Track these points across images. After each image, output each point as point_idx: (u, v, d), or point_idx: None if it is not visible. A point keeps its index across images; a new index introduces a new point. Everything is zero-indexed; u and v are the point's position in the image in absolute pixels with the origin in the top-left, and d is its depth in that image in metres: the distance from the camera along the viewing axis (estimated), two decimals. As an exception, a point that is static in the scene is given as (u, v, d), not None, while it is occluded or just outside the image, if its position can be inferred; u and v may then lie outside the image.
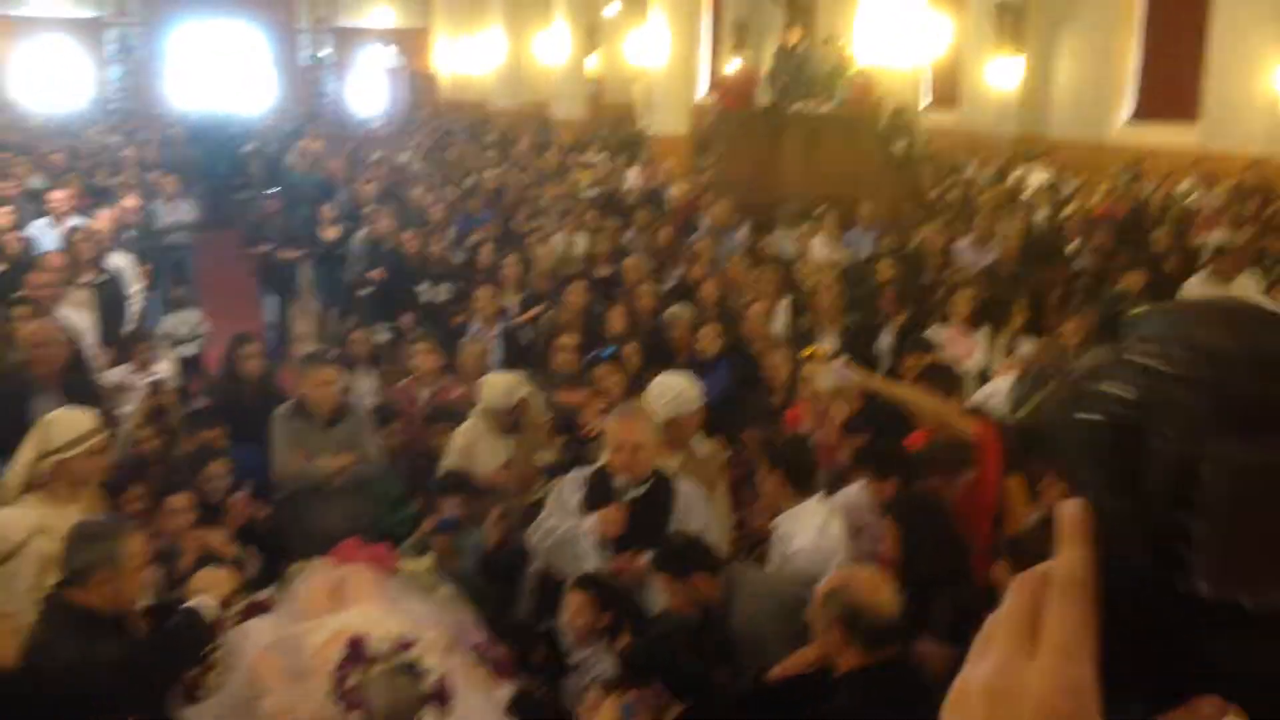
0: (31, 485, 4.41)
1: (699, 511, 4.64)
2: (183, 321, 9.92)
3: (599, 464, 4.80)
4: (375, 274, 10.28)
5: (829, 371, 5.13)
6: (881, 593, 3.33)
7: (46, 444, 4.43)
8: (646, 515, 4.55)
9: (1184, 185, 13.52)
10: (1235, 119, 16.02)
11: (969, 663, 0.74)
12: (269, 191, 13.47)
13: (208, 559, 4.73)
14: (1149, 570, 0.68)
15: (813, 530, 4.62)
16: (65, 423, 4.54)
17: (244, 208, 19.87)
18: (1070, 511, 0.72)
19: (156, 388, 6.69)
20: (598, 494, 4.65)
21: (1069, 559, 0.71)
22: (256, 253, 11.75)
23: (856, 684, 3.26)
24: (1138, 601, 0.69)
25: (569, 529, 4.60)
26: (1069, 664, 0.68)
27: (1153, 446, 0.68)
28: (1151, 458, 0.68)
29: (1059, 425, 0.75)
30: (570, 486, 4.79)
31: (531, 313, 8.54)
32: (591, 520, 4.54)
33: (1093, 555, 0.71)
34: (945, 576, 3.62)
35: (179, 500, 4.96)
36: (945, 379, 5.33)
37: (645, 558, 4.44)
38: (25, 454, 4.44)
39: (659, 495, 4.63)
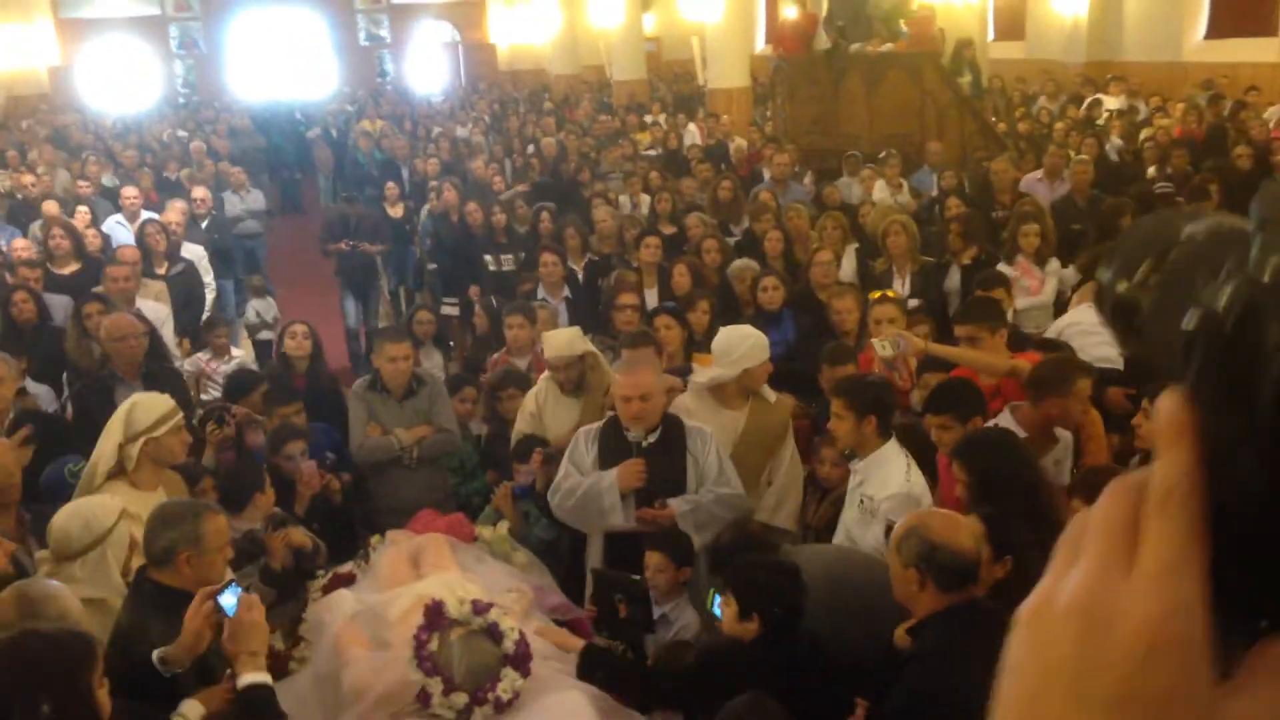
0: (116, 471, 4.53)
1: (714, 452, 4.69)
2: (259, 309, 10.12)
3: (607, 418, 4.86)
4: (372, 247, 10.42)
5: (887, 342, 5.05)
6: (960, 532, 3.27)
7: (133, 427, 4.54)
8: (663, 462, 4.62)
9: (1271, 111, 12.97)
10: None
11: (1051, 573, 0.66)
12: (346, 189, 12.81)
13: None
14: (1264, 484, 0.58)
15: (900, 475, 4.53)
16: (147, 405, 4.65)
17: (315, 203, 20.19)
18: (1169, 409, 0.61)
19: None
20: (612, 448, 4.69)
21: (1171, 465, 0.61)
22: (334, 250, 10.74)
23: (936, 628, 3.20)
24: (1251, 514, 0.59)
25: (590, 485, 4.63)
26: (1174, 583, 0.59)
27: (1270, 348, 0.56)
28: (1269, 362, 0.56)
29: (1159, 319, 0.63)
30: (584, 443, 4.81)
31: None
32: (611, 474, 4.58)
33: (1198, 459, 0.60)
34: (1022, 515, 3.51)
35: (262, 499, 5.00)
36: (990, 310, 5.20)
37: (671, 505, 4.50)
38: (110, 439, 4.55)
39: (672, 441, 4.69)
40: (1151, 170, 10.99)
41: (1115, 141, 12.82)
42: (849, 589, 3.87)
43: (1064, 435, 4.54)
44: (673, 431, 4.72)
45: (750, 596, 3.58)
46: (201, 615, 3.21)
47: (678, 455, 4.66)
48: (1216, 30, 17.89)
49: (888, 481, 4.50)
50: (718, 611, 3.75)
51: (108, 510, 3.98)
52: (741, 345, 5.20)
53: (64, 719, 2.48)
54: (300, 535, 4.70)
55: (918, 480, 4.51)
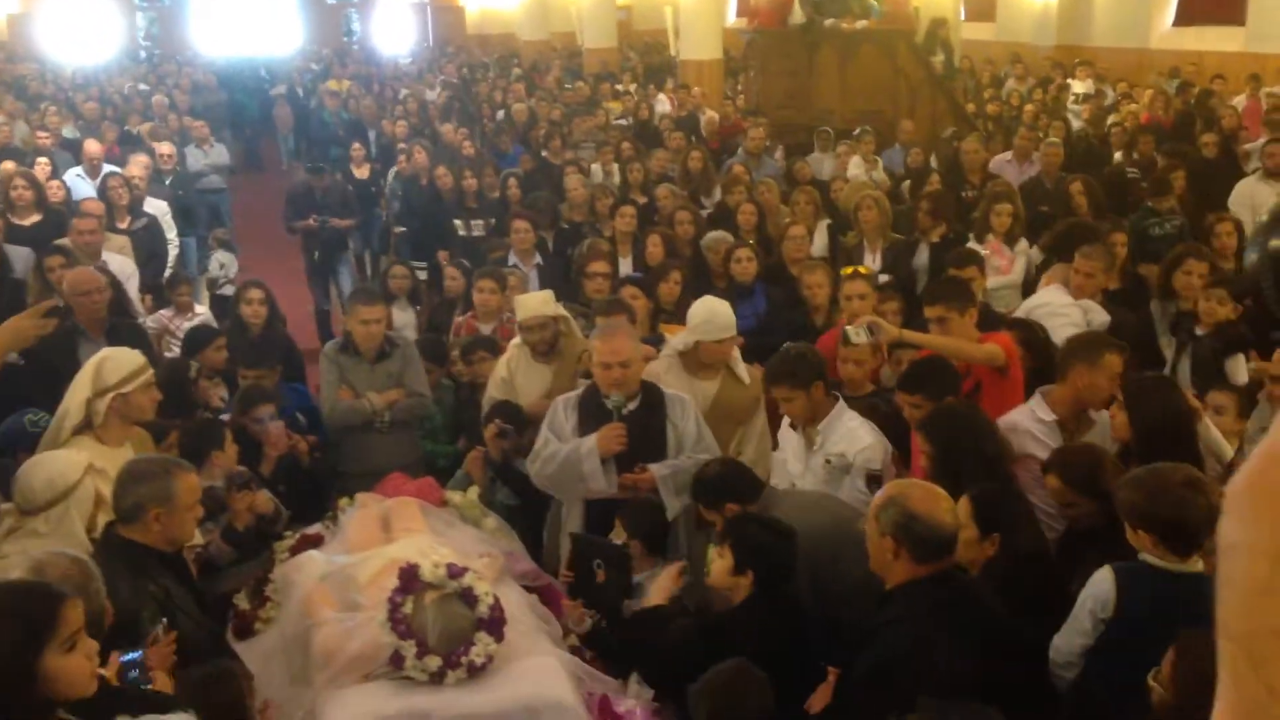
0: (83, 426, 4.46)
1: (693, 419, 4.71)
2: (223, 262, 9.99)
3: (588, 385, 4.86)
4: (343, 221, 10.03)
5: (861, 329, 5.09)
6: (940, 505, 3.30)
7: (101, 382, 4.47)
8: (643, 429, 4.62)
9: (1237, 100, 13.10)
10: (1284, 20, 15.53)
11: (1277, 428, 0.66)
12: (311, 149, 11.98)
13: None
14: None
15: (862, 428, 4.66)
16: (117, 360, 4.57)
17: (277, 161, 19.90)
18: None
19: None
20: (591, 414, 4.69)
21: None
22: (302, 227, 10.08)
23: (906, 597, 3.24)
24: None
25: (570, 452, 4.62)
26: None
27: None
28: None
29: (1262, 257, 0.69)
30: (563, 410, 4.81)
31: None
32: (590, 441, 4.57)
33: None
34: (983, 483, 3.57)
35: (221, 458, 4.90)
36: (959, 290, 5.24)
37: (651, 469, 4.53)
38: (78, 394, 4.48)
39: (652, 407, 4.70)
40: (1118, 155, 11.09)
41: (1079, 126, 12.92)
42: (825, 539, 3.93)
43: (1100, 417, 4.52)
44: (652, 398, 4.73)
45: (747, 552, 3.62)
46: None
47: (657, 421, 4.67)
48: (1184, 18, 18.05)
49: (854, 435, 4.63)
50: None
51: (73, 465, 3.92)
52: (701, 318, 5.24)
53: None
54: (264, 499, 4.67)
55: (875, 429, 4.68)
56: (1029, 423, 4.50)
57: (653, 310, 6.60)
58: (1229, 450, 4.42)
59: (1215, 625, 0.70)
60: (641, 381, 4.77)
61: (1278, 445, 0.64)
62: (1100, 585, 3.29)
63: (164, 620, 3.35)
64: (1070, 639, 3.35)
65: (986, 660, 3.16)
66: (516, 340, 6.00)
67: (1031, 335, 5.33)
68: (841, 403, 4.76)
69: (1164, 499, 3.22)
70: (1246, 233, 7.75)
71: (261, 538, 4.62)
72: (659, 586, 3.98)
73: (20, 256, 7.47)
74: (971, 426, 4.12)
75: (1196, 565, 3.25)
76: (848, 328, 5.25)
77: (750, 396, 5.27)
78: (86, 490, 3.88)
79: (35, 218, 8.54)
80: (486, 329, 6.86)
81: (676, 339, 5.40)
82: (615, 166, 11.03)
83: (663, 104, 15.77)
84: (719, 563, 3.69)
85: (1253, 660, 0.68)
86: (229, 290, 9.37)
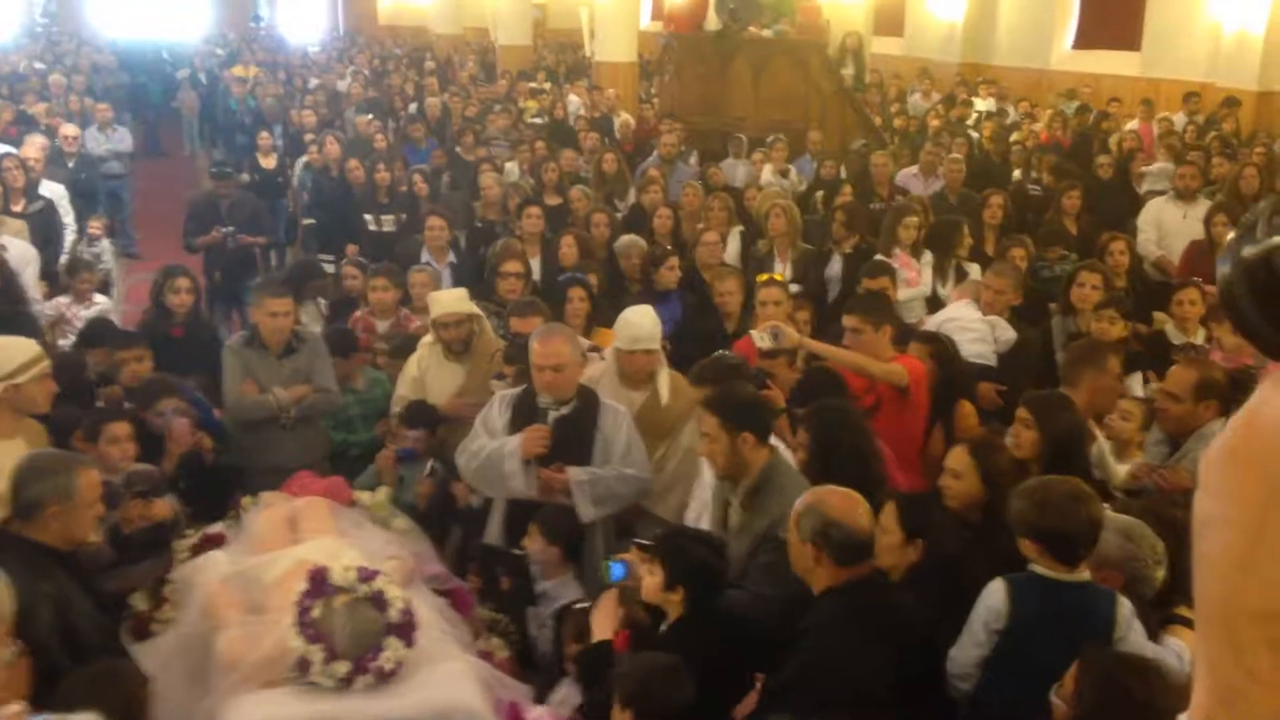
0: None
1: (624, 431, 4.68)
2: (94, 254, 9.53)
3: (523, 386, 4.82)
4: (254, 238, 9.03)
5: (765, 334, 5.16)
6: (857, 510, 3.36)
7: None
8: (571, 434, 4.60)
9: (1131, 125, 13.59)
10: (1176, 47, 16.13)
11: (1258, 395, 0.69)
12: (220, 163, 10.15)
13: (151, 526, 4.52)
14: None
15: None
16: (10, 349, 4.40)
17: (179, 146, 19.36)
18: None
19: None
20: (524, 414, 4.68)
21: None
22: (205, 243, 8.97)
23: (829, 603, 3.29)
24: None
25: (495, 449, 4.60)
26: None
27: None
28: None
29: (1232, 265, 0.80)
30: (497, 407, 4.79)
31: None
32: (514, 441, 4.56)
33: None
34: (854, 483, 3.65)
35: (119, 428, 4.81)
36: (879, 306, 5.35)
37: (568, 472, 4.49)
38: None
39: (584, 414, 4.68)
40: (1017, 173, 11.41)
41: (985, 141, 13.24)
42: None
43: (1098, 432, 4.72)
44: (587, 404, 4.70)
45: (679, 570, 3.61)
46: None
47: (587, 429, 4.65)
48: (1083, 41, 18.62)
49: None
50: (616, 575, 3.78)
51: None
52: (618, 327, 5.25)
53: None
54: (162, 506, 4.53)
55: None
56: None
57: (589, 315, 6.51)
58: (1118, 476, 4.61)
59: (1195, 603, 0.70)
60: (580, 387, 4.74)
61: (1258, 414, 0.64)
62: (993, 596, 3.38)
63: (16, 642, 3.20)
64: (966, 650, 3.42)
65: (901, 664, 3.23)
66: (428, 339, 5.95)
67: (941, 348, 5.47)
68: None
69: (1051, 510, 3.33)
70: (1140, 253, 8.08)
71: (153, 544, 4.46)
72: (601, 619, 3.80)
73: (-94, 239, 7.17)
74: (849, 423, 4.23)
75: (1084, 575, 3.36)
76: (753, 332, 5.32)
77: (672, 413, 5.17)
78: None
79: (-74, 197, 8.21)
80: (383, 325, 6.79)
81: (608, 349, 5.38)
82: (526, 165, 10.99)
83: (574, 103, 15.74)
84: (649, 579, 3.66)
85: (1232, 644, 0.66)
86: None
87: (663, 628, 3.72)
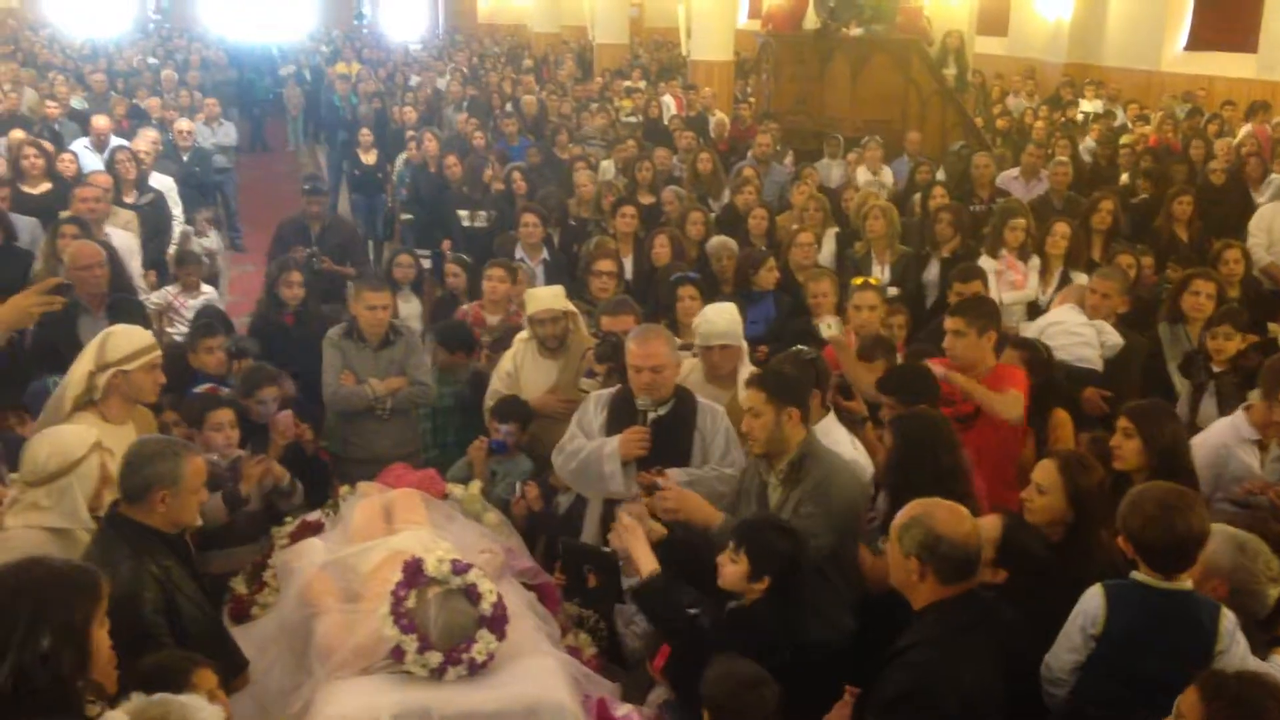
0: (85, 400, 4.43)
1: (723, 432, 4.64)
2: (201, 247, 9.75)
3: (617, 386, 4.82)
4: (343, 268, 8.22)
5: (831, 322, 5.19)
6: (964, 524, 3.28)
7: (105, 357, 4.43)
8: (669, 435, 4.56)
9: (1245, 129, 13.10)
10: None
11: None
12: (311, 177, 9.28)
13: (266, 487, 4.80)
14: None
15: (848, 443, 4.66)
16: (124, 337, 4.54)
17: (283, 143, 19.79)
18: None
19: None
20: (621, 415, 4.65)
21: None
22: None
23: (932, 620, 3.21)
24: None
25: (593, 450, 4.59)
26: None
27: None
28: None
29: None
30: (594, 407, 4.79)
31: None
32: (613, 442, 4.54)
33: None
34: (932, 491, 3.58)
35: (222, 415, 4.96)
36: (986, 310, 5.22)
37: (669, 474, 4.43)
38: (82, 367, 4.45)
39: (682, 415, 4.65)
40: (1125, 177, 11.09)
41: (1089, 144, 12.92)
42: None
43: None
44: (684, 406, 4.67)
45: (764, 560, 3.61)
46: None
47: (685, 430, 4.61)
48: (1196, 43, 18.04)
49: (838, 448, 4.57)
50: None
51: (80, 440, 3.88)
52: (697, 323, 5.29)
53: (60, 654, 2.41)
54: (280, 470, 4.78)
55: (862, 450, 4.68)
56: (1233, 441, 4.63)
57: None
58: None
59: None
60: (677, 388, 4.72)
61: None
62: (1090, 602, 3.34)
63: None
64: (1061, 656, 3.38)
65: (1008, 682, 3.16)
66: (524, 334, 5.99)
67: (1035, 354, 5.34)
68: (832, 415, 4.78)
69: (1144, 518, 3.27)
70: (1253, 259, 7.78)
71: (270, 516, 4.68)
72: (636, 548, 3.96)
73: (26, 226, 7.44)
74: (936, 435, 4.16)
75: (1186, 584, 3.29)
76: (817, 321, 5.31)
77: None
78: (90, 466, 3.84)
79: (45, 186, 8.50)
80: (494, 319, 6.83)
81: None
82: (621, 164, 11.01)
83: (668, 104, 15.72)
84: (732, 568, 3.66)
85: None
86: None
87: (732, 604, 3.73)
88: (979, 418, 4.92)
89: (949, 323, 5.06)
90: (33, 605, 2.42)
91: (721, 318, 5.22)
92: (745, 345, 5.39)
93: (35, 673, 2.39)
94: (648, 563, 3.89)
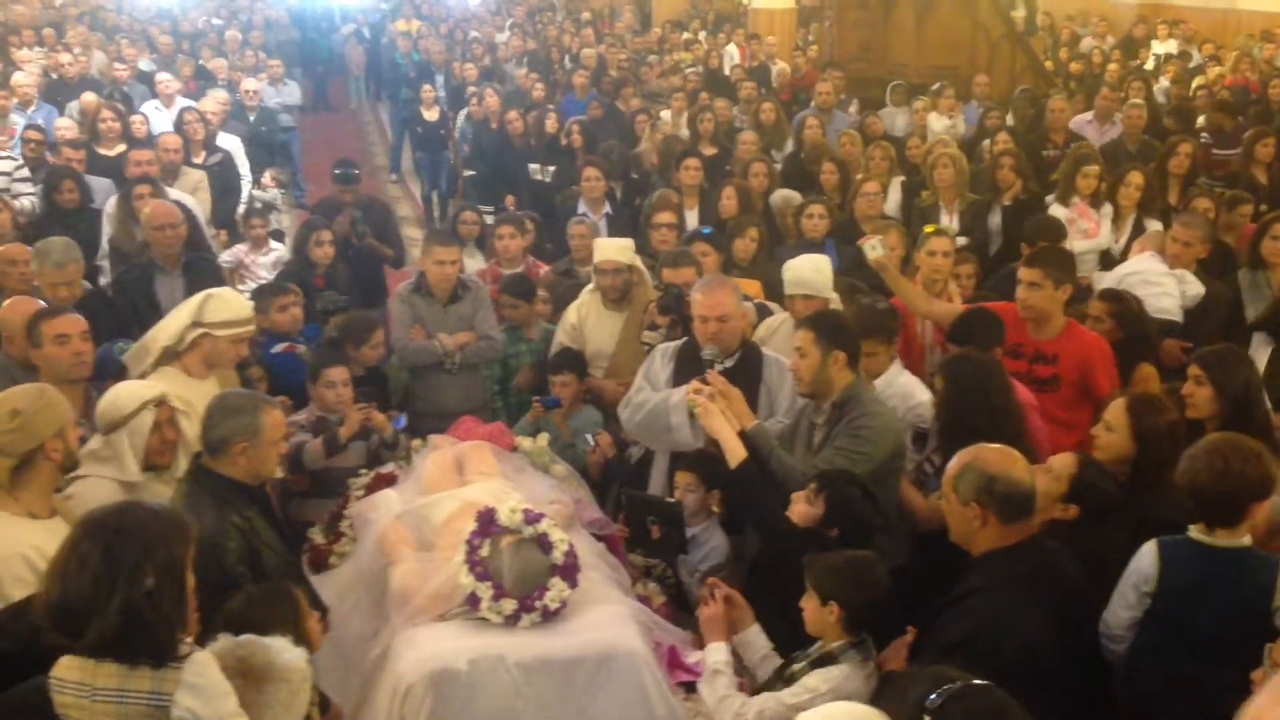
0: (171, 353, 4.56)
1: (789, 382, 4.59)
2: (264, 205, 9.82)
3: (684, 338, 4.83)
4: (383, 248, 7.72)
5: (876, 242, 5.34)
6: (1015, 463, 3.26)
7: (201, 316, 4.58)
8: (736, 385, 4.47)
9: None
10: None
11: None
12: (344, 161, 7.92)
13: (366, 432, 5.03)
14: None
15: (919, 387, 4.71)
16: (225, 303, 4.70)
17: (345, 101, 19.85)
18: None
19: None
20: (687, 367, 4.64)
21: None
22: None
23: (990, 566, 3.19)
24: None
25: (659, 402, 4.60)
26: None
27: None
28: None
29: None
30: (660, 360, 4.79)
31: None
32: (680, 393, 4.51)
33: None
34: (985, 433, 3.57)
35: (337, 373, 5.14)
36: (1064, 263, 5.11)
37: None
38: (179, 319, 4.60)
39: (748, 367, 4.64)
40: (1201, 119, 10.78)
41: (1164, 85, 12.57)
42: None
43: None
44: (750, 358, 4.68)
45: (840, 512, 3.70)
46: None
47: (751, 381, 4.59)
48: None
49: (907, 392, 4.66)
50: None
51: (133, 396, 3.98)
52: (784, 273, 5.29)
53: (163, 591, 2.49)
54: (383, 421, 5.02)
55: (928, 392, 4.66)
56: None
57: (722, 265, 6.50)
58: None
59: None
60: (743, 339, 4.72)
61: None
62: (1144, 559, 3.33)
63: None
64: (1116, 612, 3.38)
65: (1066, 631, 3.14)
66: (590, 287, 6.01)
67: (1124, 307, 5.21)
68: (898, 362, 4.81)
69: (1203, 466, 3.26)
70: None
71: (376, 461, 4.90)
72: (718, 427, 4.09)
73: (102, 188, 7.59)
74: (987, 376, 4.18)
75: (1244, 539, 3.25)
76: (861, 242, 5.43)
77: None
78: (142, 422, 3.94)
79: (120, 148, 8.66)
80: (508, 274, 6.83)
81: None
82: (683, 116, 10.92)
83: (731, 54, 15.56)
84: (806, 508, 3.72)
85: None
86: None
87: None
88: (1062, 383, 4.85)
89: (1024, 273, 4.94)
90: (138, 546, 2.50)
91: (804, 267, 5.22)
92: (835, 297, 5.27)
93: (143, 610, 2.47)
94: (736, 451, 4.00)
